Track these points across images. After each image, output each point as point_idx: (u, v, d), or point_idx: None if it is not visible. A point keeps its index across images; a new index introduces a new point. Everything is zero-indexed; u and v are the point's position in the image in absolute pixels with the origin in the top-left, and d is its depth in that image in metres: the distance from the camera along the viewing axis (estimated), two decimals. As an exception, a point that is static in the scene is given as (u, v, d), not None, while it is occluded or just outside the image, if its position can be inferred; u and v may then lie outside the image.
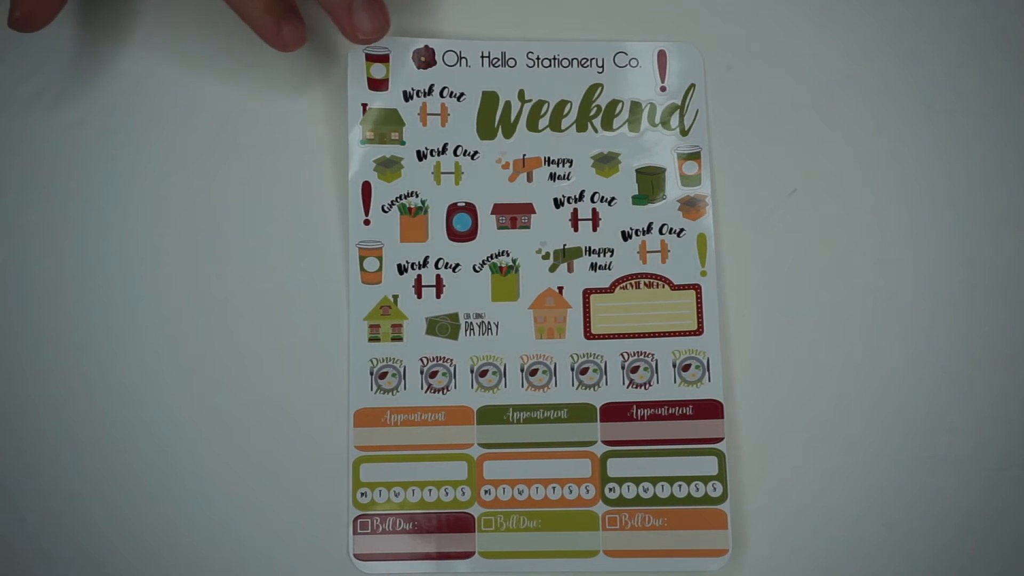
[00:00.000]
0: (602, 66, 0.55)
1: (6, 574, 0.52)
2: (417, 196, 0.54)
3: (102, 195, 0.54)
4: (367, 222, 0.54)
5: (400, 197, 0.54)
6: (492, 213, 0.54)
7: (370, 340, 0.53)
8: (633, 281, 0.53)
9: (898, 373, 0.53)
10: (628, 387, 0.53)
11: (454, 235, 0.54)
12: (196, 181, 0.54)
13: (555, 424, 0.53)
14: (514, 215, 0.54)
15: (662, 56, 0.55)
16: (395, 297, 0.53)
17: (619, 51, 0.55)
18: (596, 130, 0.54)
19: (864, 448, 0.52)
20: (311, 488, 0.52)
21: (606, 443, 0.52)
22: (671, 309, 0.53)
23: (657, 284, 0.53)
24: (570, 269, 0.54)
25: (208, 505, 0.52)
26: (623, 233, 0.54)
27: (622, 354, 0.53)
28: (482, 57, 0.55)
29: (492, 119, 0.54)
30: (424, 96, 0.54)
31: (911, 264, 0.54)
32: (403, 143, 0.54)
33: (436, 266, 0.54)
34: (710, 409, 0.52)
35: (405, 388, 0.53)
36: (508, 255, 0.54)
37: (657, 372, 0.53)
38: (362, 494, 0.52)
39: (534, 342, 0.53)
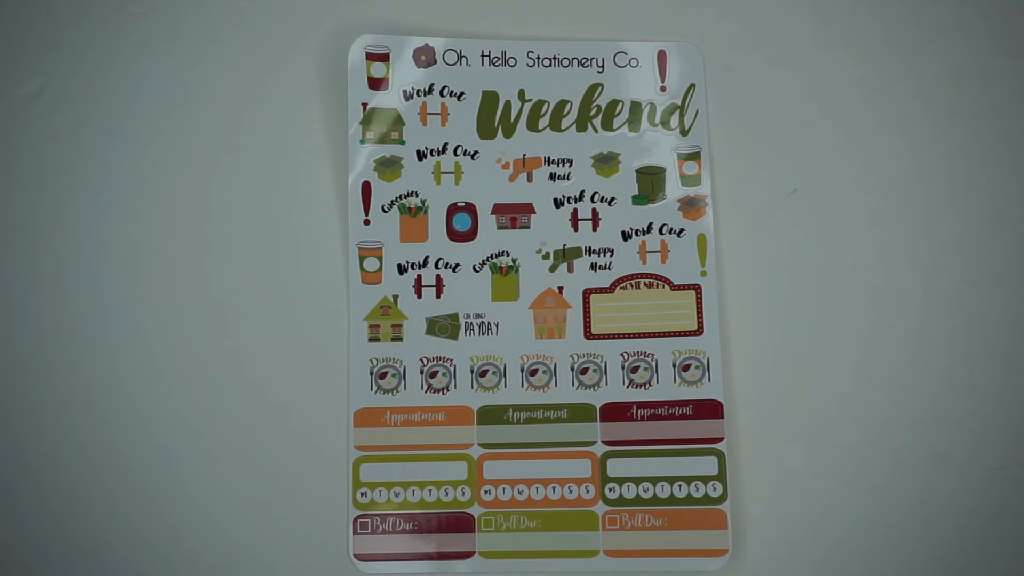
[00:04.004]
0: (602, 66, 0.55)
1: (6, 574, 0.52)
2: (417, 196, 0.54)
3: (102, 195, 0.54)
4: (367, 222, 0.54)
5: (400, 197, 0.54)
6: (492, 213, 0.54)
7: (370, 340, 0.53)
8: (633, 281, 0.53)
9: (898, 373, 0.53)
10: (628, 387, 0.53)
11: (454, 235, 0.54)
12: (196, 181, 0.54)
13: (555, 424, 0.52)
14: (514, 215, 0.54)
15: (662, 56, 0.55)
16: (395, 297, 0.53)
17: (619, 51, 0.55)
18: (596, 130, 0.54)
19: (864, 448, 0.52)
20: (311, 488, 0.52)
21: (606, 443, 0.52)
22: (671, 309, 0.53)
23: (657, 284, 0.53)
24: (570, 269, 0.54)
25: (208, 505, 0.52)
26: (623, 233, 0.54)
27: (622, 354, 0.53)
28: (482, 56, 0.55)
29: (492, 119, 0.54)
30: (424, 95, 0.54)
31: (911, 264, 0.54)
32: (403, 143, 0.54)
33: (436, 266, 0.54)
34: (710, 409, 0.52)
35: (405, 388, 0.53)
36: (508, 255, 0.54)
37: (657, 372, 0.53)
38: (362, 494, 0.52)
39: (534, 342, 0.53)
